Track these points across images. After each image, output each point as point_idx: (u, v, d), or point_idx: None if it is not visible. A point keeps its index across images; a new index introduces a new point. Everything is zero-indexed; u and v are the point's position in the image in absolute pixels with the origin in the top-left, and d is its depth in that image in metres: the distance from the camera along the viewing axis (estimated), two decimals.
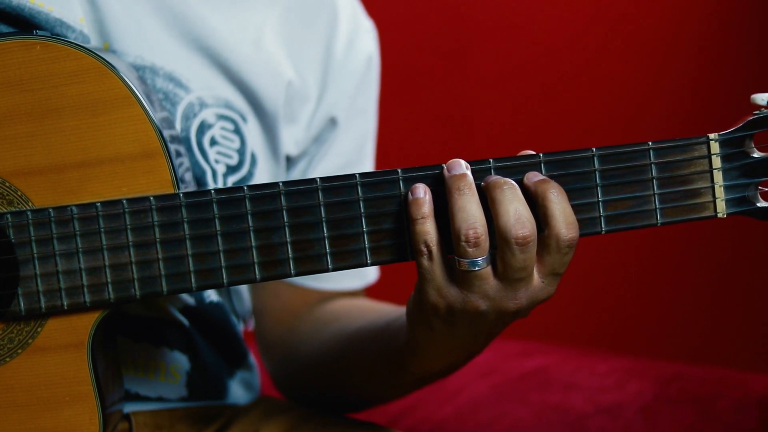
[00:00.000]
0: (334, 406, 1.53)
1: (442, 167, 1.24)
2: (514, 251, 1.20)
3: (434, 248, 1.23)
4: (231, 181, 1.50)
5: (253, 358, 1.61)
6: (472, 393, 1.85)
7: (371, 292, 1.66)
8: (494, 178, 1.23)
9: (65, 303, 1.27)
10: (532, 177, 1.23)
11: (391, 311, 1.44)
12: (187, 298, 1.49)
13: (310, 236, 1.25)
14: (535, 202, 1.22)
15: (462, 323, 1.25)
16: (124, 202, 1.26)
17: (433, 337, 1.28)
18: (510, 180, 1.22)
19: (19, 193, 1.27)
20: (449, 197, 1.22)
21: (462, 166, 1.23)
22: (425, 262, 1.23)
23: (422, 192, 1.23)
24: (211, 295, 1.51)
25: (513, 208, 1.20)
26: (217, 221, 1.26)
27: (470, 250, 1.20)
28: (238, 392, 1.57)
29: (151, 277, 1.26)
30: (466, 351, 1.32)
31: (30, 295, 1.27)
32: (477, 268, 1.21)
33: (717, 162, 1.25)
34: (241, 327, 1.58)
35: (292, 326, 1.57)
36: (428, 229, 1.22)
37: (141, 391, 1.48)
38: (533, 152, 1.25)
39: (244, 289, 1.58)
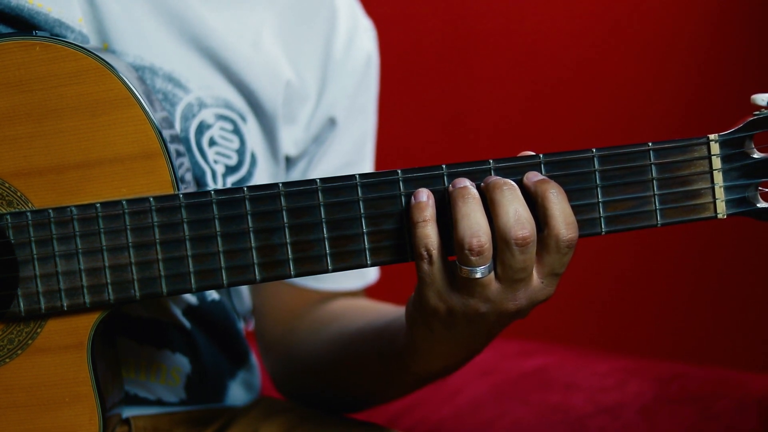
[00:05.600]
0: (333, 406, 1.53)
1: (442, 168, 1.24)
2: (513, 252, 1.20)
3: (435, 252, 1.22)
4: (230, 181, 1.50)
5: (254, 358, 1.61)
6: (472, 393, 1.85)
7: (371, 292, 1.66)
8: (494, 178, 1.22)
9: (65, 304, 1.27)
10: (532, 177, 1.23)
11: (391, 311, 1.44)
12: (190, 298, 1.49)
13: (309, 237, 1.25)
14: (534, 202, 1.22)
15: (462, 325, 1.25)
16: (124, 202, 1.26)
17: (433, 338, 1.28)
18: (509, 180, 1.22)
19: (18, 194, 1.27)
20: (453, 204, 1.21)
21: (467, 181, 1.22)
22: (425, 266, 1.22)
23: (425, 196, 1.23)
24: (212, 293, 1.51)
25: (513, 209, 1.20)
26: (216, 222, 1.26)
27: (473, 258, 1.20)
28: (237, 394, 1.57)
29: (150, 278, 1.26)
30: (466, 351, 1.32)
31: (30, 296, 1.27)
32: (479, 276, 1.21)
33: (717, 163, 1.25)
34: (241, 325, 1.58)
35: (291, 326, 1.57)
36: (429, 232, 1.22)
37: (140, 392, 1.48)
38: (533, 153, 1.25)
39: (244, 288, 1.58)
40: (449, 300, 1.23)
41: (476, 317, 1.23)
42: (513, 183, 1.21)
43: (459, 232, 1.20)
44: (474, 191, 1.21)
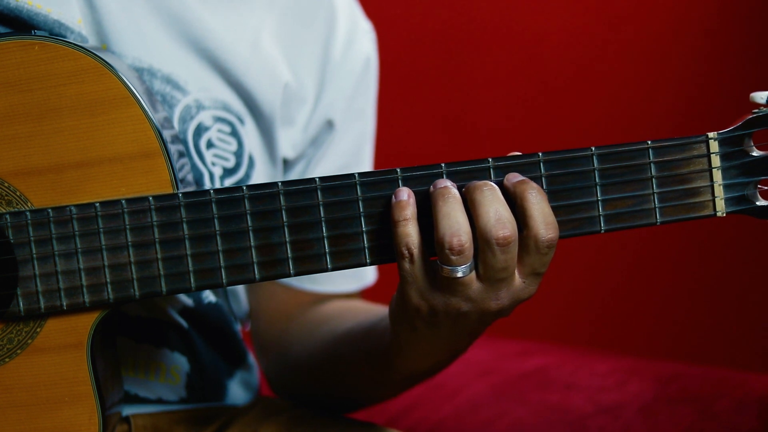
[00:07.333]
0: (326, 406, 1.53)
1: (441, 166, 1.24)
2: (495, 252, 1.19)
3: (416, 251, 1.22)
4: (228, 183, 1.50)
5: (252, 358, 1.61)
6: (472, 393, 1.85)
7: (369, 293, 1.66)
8: (474, 182, 1.22)
9: (64, 303, 1.27)
10: (512, 178, 1.22)
11: (380, 311, 1.44)
12: (186, 300, 1.49)
13: (309, 236, 1.25)
14: (514, 202, 1.21)
15: (444, 324, 1.25)
16: (123, 202, 1.26)
17: (416, 337, 1.28)
18: (489, 182, 1.21)
19: (18, 194, 1.27)
20: (434, 204, 1.21)
21: (447, 182, 1.22)
22: (407, 265, 1.22)
23: (405, 195, 1.22)
24: (209, 295, 1.51)
25: (493, 209, 1.19)
26: (216, 221, 1.26)
27: (454, 258, 1.19)
28: (237, 393, 1.57)
29: (150, 277, 1.26)
30: (450, 350, 1.32)
31: (29, 296, 1.27)
32: (460, 275, 1.20)
33: (716, 161, 1.25)
34: (238, 327, 1.58)
35: (285, 327, 1.57)
36: (410, 231, 1.22)
37: (140, 392, 1.48)
38: (520, 153, 1.25)
39: (241, 290, 1.58)
40: (431, 299, 1.23)
41: (458, 316, 1.23)
42: (493, 184, 1.21)
43: (439, 232, 1.20)
44: (455, 191, 1.21)
